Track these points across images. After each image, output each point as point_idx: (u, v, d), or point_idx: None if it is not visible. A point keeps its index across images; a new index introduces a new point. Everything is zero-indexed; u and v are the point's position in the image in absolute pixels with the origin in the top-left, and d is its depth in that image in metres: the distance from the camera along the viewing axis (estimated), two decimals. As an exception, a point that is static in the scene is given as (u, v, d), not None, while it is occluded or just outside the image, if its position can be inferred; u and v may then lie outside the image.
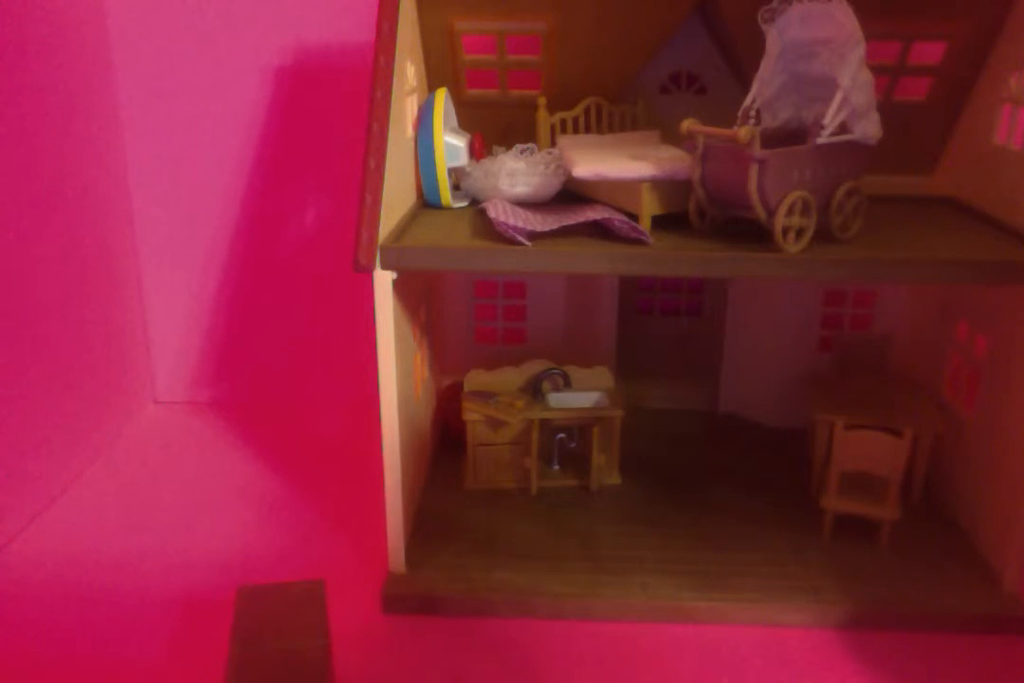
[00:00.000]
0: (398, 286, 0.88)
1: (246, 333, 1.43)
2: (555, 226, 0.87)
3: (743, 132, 0.78)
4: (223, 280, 1.40)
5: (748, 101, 0.86)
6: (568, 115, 1.06)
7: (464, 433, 1.12)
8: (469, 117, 1.06)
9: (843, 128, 0.83)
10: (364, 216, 0.83)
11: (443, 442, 1.24)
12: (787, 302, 1.23)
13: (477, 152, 1.01)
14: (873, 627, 0.91)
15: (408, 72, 0.96)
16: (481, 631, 0.91)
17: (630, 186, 0.89)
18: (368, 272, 0.84)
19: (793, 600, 0.92)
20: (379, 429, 0.91)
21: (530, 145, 1.01)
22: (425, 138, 0.96)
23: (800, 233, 0.83)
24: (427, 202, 1.01)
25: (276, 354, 1.44)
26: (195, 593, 0.97)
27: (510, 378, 1.16)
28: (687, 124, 0.84)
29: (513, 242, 0.84)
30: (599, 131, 1.08)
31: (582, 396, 1.14)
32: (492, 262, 0.85)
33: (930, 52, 1.02)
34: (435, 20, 1.00)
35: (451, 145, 0.98)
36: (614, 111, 1.08)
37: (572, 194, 0.99)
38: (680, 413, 1.34)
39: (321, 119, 1.30)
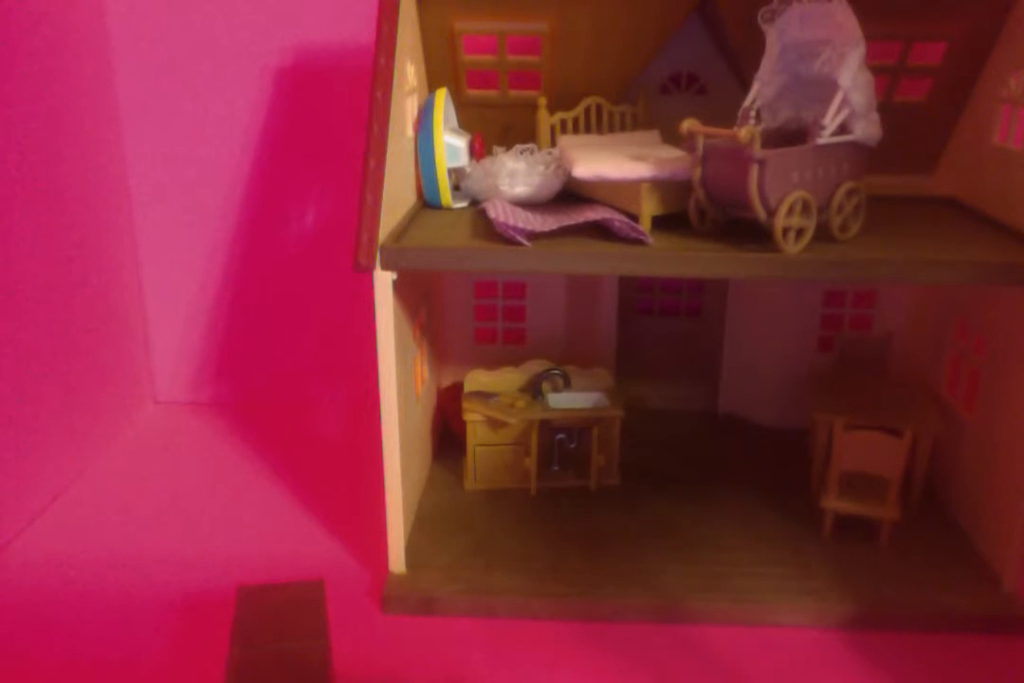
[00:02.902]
0: (398, 286, 0.88)
1: (246, 333, 1.43)
2: (555, 226, 0.87)
3: (743, 132, 0.78)
4: (223, 280, 1.40)
5: (748, 101, 0.86)
6: (568, 115, 1.06)
7: (464, 433, 1.12)
8: (469, 117, 1.06)
9: (843, 128, 0.83)
10: (364, 216, 0.83)
11: (443, 442, 1.24)
12: (787, 302, 1.23)
13: (477, 152, 1.01)
14: (873, 627, 0.91)
15: (408, 72, 0.96)
16: (481, 631, 0.91)
17: (630, 187, 0.89)
18: (368, 272, 0.84)
19: (793, 600, 0.92)
20: (379, 429, 0.91)
21: (530, 145, 1.01)
22: (425, 138, 0.96)
23: (800, 233, 0.83)
24: (427, 202, 1.01)
25: (276, 354, 1.44)
26: (195, 593, 0.97)
27: (510, 378, 1.16)
28: (687, 124, 0.84)
29: (513, 242, 0.85)
30: (599, 131, 1.08)
31: (582, 396, 1.14)
32: (492, 262, 0.85)
33: (930, 52, 1.02)
34: (435, 20, 1.00)
35: (451, 145, 0.98)
36: (614, 111, 1.08)
37: (572, 194, 0.99)
38: (680, 413, 1.34)
39: (321, 119, 1.30)
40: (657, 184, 0.88)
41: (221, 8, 1.26)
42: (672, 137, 0.95)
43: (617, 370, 1.27)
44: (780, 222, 0.81)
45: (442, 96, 0.97)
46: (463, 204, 1.02)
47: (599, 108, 1.07)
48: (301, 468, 1.25)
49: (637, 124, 1.11)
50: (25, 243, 1.09)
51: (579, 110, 1.06)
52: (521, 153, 1.00)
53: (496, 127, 1.09)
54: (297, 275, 1.39)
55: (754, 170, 0.79)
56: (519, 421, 1.10)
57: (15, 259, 1.07)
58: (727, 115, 0.87)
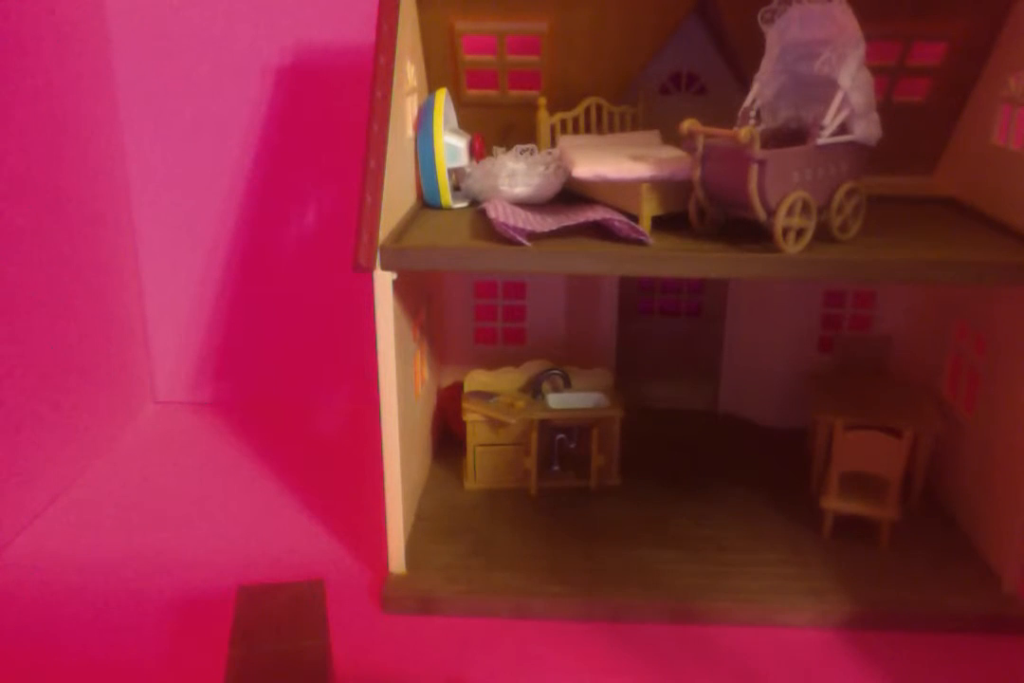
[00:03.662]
0: (398, 286, 0.88)
1: (246, 333, 1.43)
2: (555, 227, 0.87)
3: (743, 132, 0.78)
4: (223, 280, 1.40)
5: (748, 101, 0.86)
6: (568, 115, 1.06)
7: (464, 433, 1.12)
8: (469, 117, 1.06)
9: (843, 128, 0.83)
10: (364, 216, 0.83)
11: (443, 442, 1.24)
12: (787, 302, 1.23)
13: (477, 153, 1.01)
14: (873, 627, 0.91)
15: (408, 72, 0.96)
16: (481, 631, 0.91)
17: (630, 187, 0.89)
18: (368, 272, 0.84)
19: (793, 600, 0.92)
20: (379, 429, 0.91)
21: (530, 146, 1.01)
22: (425, 138, 0.96)
23: (800, 233, 0.83)
24: (427, 202, 1.01)
25: (276, 354, 1.44)
26: (195, 593, 0.97)
27: (510, 378, 1.16)
28: (687, 124, 0.84)
29: (513, 242, 0.85)
30: (599, 131, 1.08)
31: (582, 396, 1.14)
32: (492, 262, 0.85)
33: (930, 52, 1.02)
34: (435, 20, 1.00)
35: (451, 146, 0.98)
36: (614, 111, 1.08)
37: (572, 194, 0.99)
38: (680, 413, 1.34)
39: (321, 119, 1.30)
40: (657, 184, 0.88)
41: (221, 8, 1.26)
42: (672, 137, 0.95)
43: (617, 370, 1.27)
44: (780, 222, 0.81)
45: (442, 96, 0.97)
46: (463, 204, 1.02)
47: (599, 108, 1.07)
48: (301, 468, 1.25)
49: (637, 124, 1.11)
50: (25, 243, 1.09)
51: (579, 110, 1.06)
52: (521, 153, 1.00)
53: (496, 127, 1.09)
54: (297, 275, 1.39)
55: (754, 170, 0.79)
56: (519, 421, 1.10)
57: (15, 259, 1.07)
58: (727, 115, 0.87)
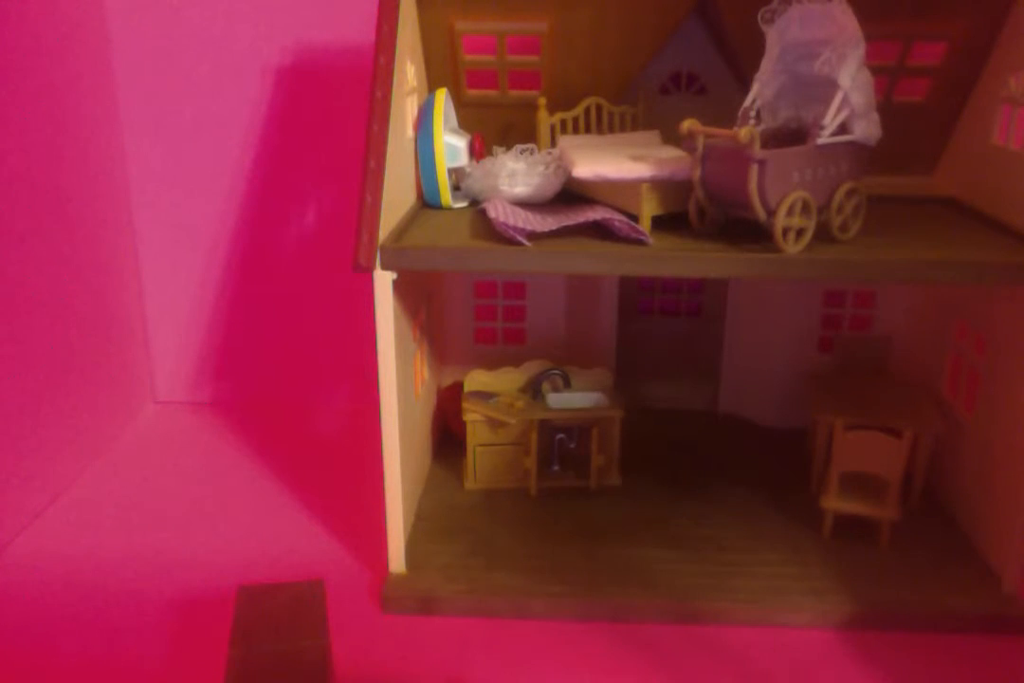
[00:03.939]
0: (398, 286, 0.88)
1: (246, 333, 1.43)
2: (555, 226, 0.87)
3: (743, 132, 0.78)
4: (223, 280, 1.40)
5: (748, 101, 0.86)
6: (568, 115, 1.06)
7: (464, 433, 1.12)
8: (469, 117, 1.06)
9: (843, 128, 0.83)
10: (364, 216, 0.83)
11: (443, 442, 1.24)
12: (787, 302, 1.23)
13: (477, 152, 1.01)
14: (873, 627, 0.91)
15: (408, 72, 0.96)
16: (481, 631, 0.91)
17: (630, 186, 0.89)
18: (368, 272, 0.84)
19: (793, 600, 0.92)
20: (379, 429, 0.91)
21: (530, 145, 1.01)
22: (425, 138, 0.96)
23: (800, 233, 0.83)
24: (427, 202, 1.01)
25: (276, 354, 1.44)
26: (195, 593, 0.97)
27: (510, 378, 1.16)
28: (687, 124, 0.84)
29: (513, 242, 0.85)
30: (599, 131, 1.08)
31: (582, 396, 1.14)
32: (492, 262, 0.85)
33: (930, 52, 1.02)
34: (435, 20, 1.00)
35: (451, 145, 0.98)
36: (614, 111, 1.08)
37: (572, 194, 0.99)
38: (680, 413, 1.34)
39: (321, 119, 1.30)
40: (657, 184, 0.88)
41: (221, 8, 1.26)
42: (672, 137, 0.95)
43: (617, 370, 1.27)
44: (780, 222, 0.81)
45: (442, 96, 0.97)
46: (463, 204, 1.02)
47: (599, 108, 1.07)
48: (301, 468, 1.25)
49: (637, 124, 1.11)
50: (25, 243, 1.09)
51: (579, 110, 1.06)
52: (521, 153, 1.00)
53: (496, 127, 1.09)
54: (297, 275, 1.39)
55: (754, 170, 0.79)
56: (519, 421, 1.10)
57: (15, 259, 1.07)
58: (727, 115, 0.87)
